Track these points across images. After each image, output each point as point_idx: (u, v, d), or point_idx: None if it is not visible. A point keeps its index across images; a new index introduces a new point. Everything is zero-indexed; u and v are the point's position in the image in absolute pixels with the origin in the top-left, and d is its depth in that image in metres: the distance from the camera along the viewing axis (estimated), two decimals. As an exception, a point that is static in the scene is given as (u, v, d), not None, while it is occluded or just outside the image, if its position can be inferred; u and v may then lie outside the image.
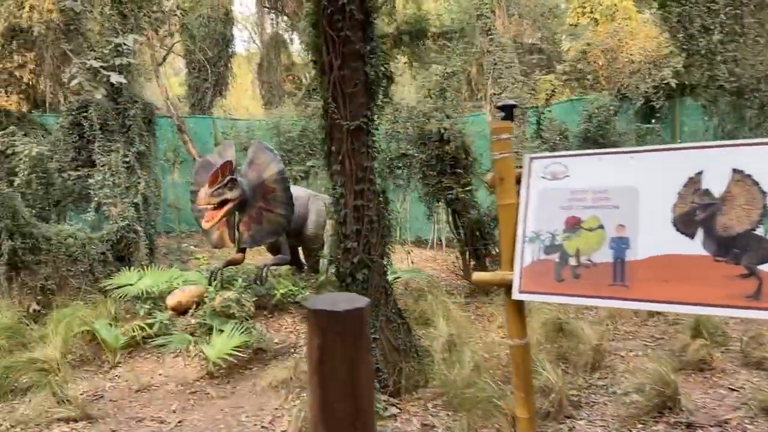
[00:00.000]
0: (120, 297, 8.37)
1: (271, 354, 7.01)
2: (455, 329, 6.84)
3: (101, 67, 8.78)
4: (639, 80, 12.20)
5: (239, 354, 6.62)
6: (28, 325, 8.23)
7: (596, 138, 9.62)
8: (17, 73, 19.80)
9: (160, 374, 6.80)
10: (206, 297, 7.89)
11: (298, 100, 18.82)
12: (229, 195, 7.30)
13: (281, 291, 7.62)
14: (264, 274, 7.77)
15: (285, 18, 26.61)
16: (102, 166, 9.47)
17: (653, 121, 11.73)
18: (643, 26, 13.31)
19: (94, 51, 9.11)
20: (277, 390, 6.18)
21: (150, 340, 7.39)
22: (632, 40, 12.94)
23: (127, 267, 9.48)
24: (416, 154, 8.10)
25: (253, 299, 7.50)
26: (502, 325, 8.07)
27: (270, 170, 7.69)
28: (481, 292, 9.25)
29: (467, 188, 8.20)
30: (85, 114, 10.93)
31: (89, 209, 9.57)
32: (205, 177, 7.39)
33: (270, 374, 6.57)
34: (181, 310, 7.95)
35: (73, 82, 9.01)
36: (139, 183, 9.50)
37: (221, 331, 6.93)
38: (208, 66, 21.87)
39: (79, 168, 10.91)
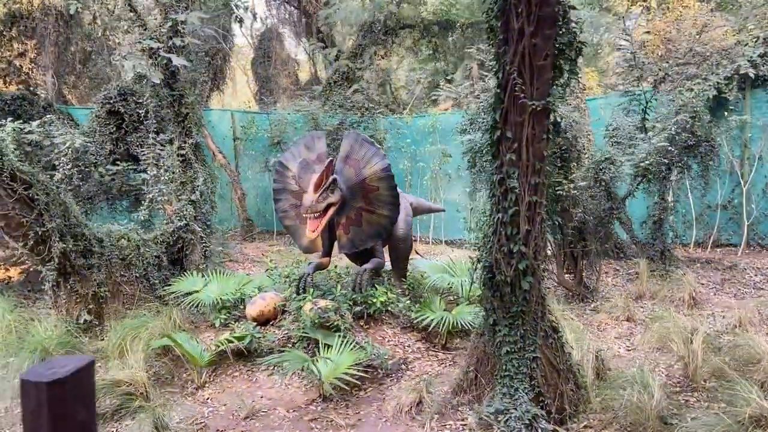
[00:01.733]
0: (189, 305, 7.44)
1: (382, 372, 6.15)
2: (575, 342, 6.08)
3: (159, 48, 7.81)
4: (707, 71, 11.54)
5: (355, 373, 5.75)
6: (77, 337, 7.28)
7: (693, 130, 8.91)
8: (17, 62, 18.59)
9: (261, 397, 5.89)
10: (289, 306, 7.01)
11: (317, 94, 17.84)
12: (332, 199, 6.42)
13: (381, 299, 6.76)
14: (364, 281, 6.90)
15: (284, 9, 25.48)
16: (155, 159, 8.48)
17: (726, 114, 11.09)
18: (703, 14, 12.69)
19: (146, 30, 8.12)
20: (410, 415, 5.33)
21: (243, 356, 6.49)
22: (696, 29, 12.30)
23: (181, 271, 8.55)
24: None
25: (353, 309, 6.64)
26: (618, 335, 7.32)
27: (372, 166, 6.81)
28: (576, 297, 8.49)
29: (573, 183, 7.42)
30: (124, 102, 9.97)
31: (140, 207, 8.60)
32: (305, 176, 6.47)
33: (393, 397, 5.72)
34: (263, 321, 7.05)
35: (127, 65, 8.03)
36: (196, 178, 8.54)
37: (328, 346, 6.05)
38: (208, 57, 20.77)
39: (117, 162, 9.93)
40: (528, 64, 4.24)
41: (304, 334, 6.24)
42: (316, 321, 6.32)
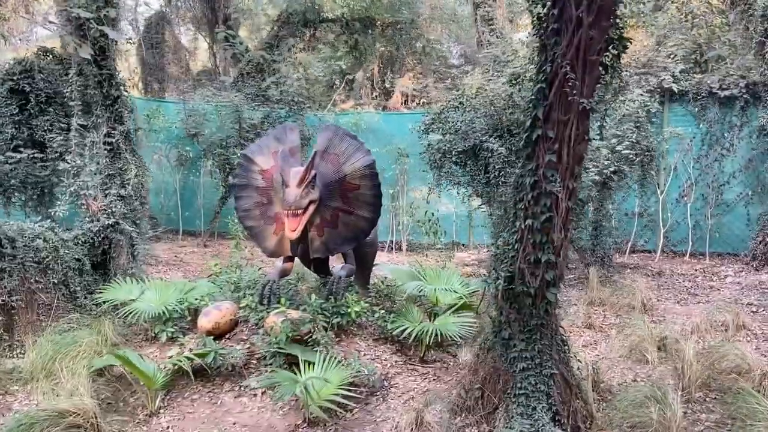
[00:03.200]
0: (124, 317, 6.47)
1: (366, 390, 5.59)
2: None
3: (91, 18, 6.73)
4: (634, 84, 11.93)
5: (345, 393, 5.17)
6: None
7: (637, 140, 9.10)
8: None
9: (234, 423, 5.14)
10: (251, 317, 6.27)
11: (227, 85, 16.78)
12: (313, 195, 5.76)
13: (355, 309, 6.18)
14: (340, 289, 6.26)
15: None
16: (79, 147, 7.35)
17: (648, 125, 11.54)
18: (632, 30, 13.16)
19: (71, -2, 6.98)
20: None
21: (202, 375, 5.68)
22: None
23: (105, 277, 7.49)
24: (495, 149, 6.98)
25: (331, 320, 6.03)
26: (585, 344, 7.22)
27: (354, 162, 6.20)
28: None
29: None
30: (30, 80, 8.66)
31: (59, 202, 7.42)
32: (287, 169, 5.75)
33: (385, 418, 5.21)
34: (218, 334, 6.24)
35: (66, 40, 6.89)
36: (126, 170, 7.49)
37: (308, 363, 5.41)
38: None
39: (19, 149, 8.60)
40: (582, 58, 3.89)
41: (278, 350, 5.54)
42: (289, 334, 5.65)
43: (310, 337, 5.71)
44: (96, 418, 4.77)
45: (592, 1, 3.75)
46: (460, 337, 6.09)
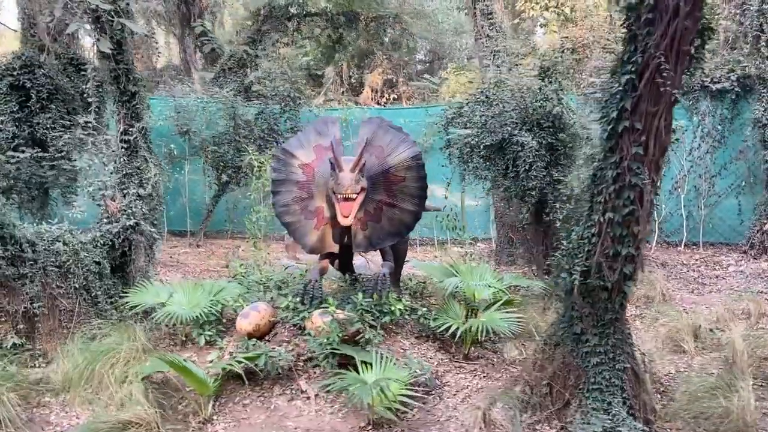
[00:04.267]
0: (157, 321, 6.21)
1: (421, 389, 5.48)
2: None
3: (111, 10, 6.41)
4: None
5: (410, 393, 5.06)
6: (5, 368, 5.81)
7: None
8: None
9: (295, 428, 4.98)
10: (287, 318, 6.10)
11: (208, 81, 16.39)
12: (363, 183, 5.63)
13: (398, 306, 6.06)
14: (386, 286, 6.12)
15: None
16: (94, 145, 7.03)
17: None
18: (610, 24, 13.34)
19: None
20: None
21: (250, 379, 5.48)
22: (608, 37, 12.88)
23: (124, 280, 7.19)
24: (526, 142, 6.93)
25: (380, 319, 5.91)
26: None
27: (399, 155, 6.06)
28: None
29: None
30: (30, 75, 8.26)
31: (73, 202, 7.08)
32: (337, 156, 5.57)
33: (448, 417, 5.14)
34: (258, 336, 6.06)
35: (71, 29, 6.54)
36: (145, 169, 7.18)
37: (365, 363, 5.28)
38: None
39: (21, 148, 8.20)
40: (675, 48, 3.86)
41: (333, 351, 5.38)
42: (339, 335, 5.51)
43: (362, 337, 5.58)
44: (158, 428, 4.56)
45: (689, -12, 3.72)
46: (512, 333, 6.04)
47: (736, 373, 5.57)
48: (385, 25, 17.31)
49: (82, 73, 9.05)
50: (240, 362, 5.37)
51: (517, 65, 11.43)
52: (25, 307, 6.19)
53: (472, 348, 6.38)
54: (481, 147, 7.34)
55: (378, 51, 25.11)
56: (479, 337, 6.03)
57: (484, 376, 5.92)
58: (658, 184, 4.37)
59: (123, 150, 7.09)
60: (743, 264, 10.52)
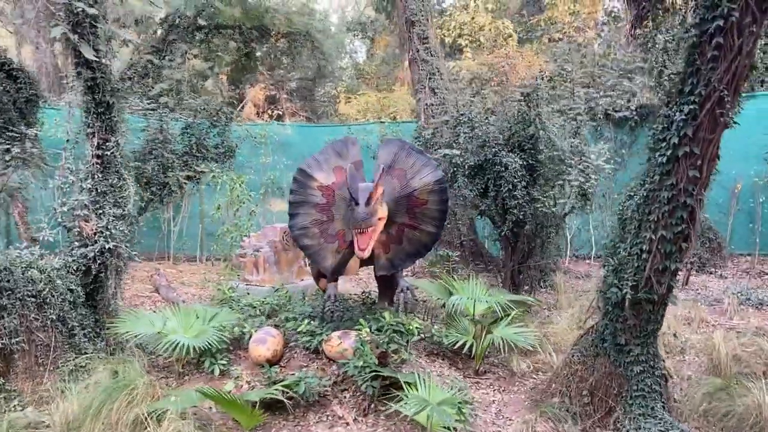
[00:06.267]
0: (167, 353, 5.74)
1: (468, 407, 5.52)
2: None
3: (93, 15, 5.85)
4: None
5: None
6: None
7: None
8: None
9: (353, 456, 4.83)
10: (305, 341, 5.92)
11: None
12: (382, 212, 5.57)
13: (415, 325, 6.08)
14: (410, 301, 6.05)
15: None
16: (68, 159, 6.36)
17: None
18: (522, 55, 14.29)
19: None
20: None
21: (280, 407, 5.22)
22: (523, 66, 13.79)
23: (92, 310, 6.56)
24: (510, 163, 7.24)
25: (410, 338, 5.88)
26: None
27: (422, 178, 6.04)
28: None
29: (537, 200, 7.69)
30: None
31: (42, 225, 6.34)
32: (354, 186, 5.47)
33: (496, 432, 5.23)
34: (275, 362, 5.81)
35: (55, 33, 5.86)
36: (122, 187, 6.60)
37: (409, 384, 5.24)
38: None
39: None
40: (734, 83, 4.32)
41: (376, 373, 5.29)
42: (367, 357, 5.43)
43: (399, 357, 5.54)
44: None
45: (752, 31, 4.19)
46: (531, 346, 6.27)
47: (722, 372, 6.24)
48: (296, 42, 17.20)
49: (18, 82, 8.19)
50: (278, 390, 5.10)
51: (446, 89, 11.92)
52: (2, 343, 5.46)
53: (477, 363, 6.54)
54: (466, 167, 7.58)
55: (259, 67, 24.79)
56: (505, 349, 6.20)
57: (502, 390, 6.10)
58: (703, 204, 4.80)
59: (97, 166, 6.48)
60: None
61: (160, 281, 10.30)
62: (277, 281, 9.66)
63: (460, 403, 5.05)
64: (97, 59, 6.13)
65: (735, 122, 4.51)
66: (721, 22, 4.20)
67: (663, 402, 5.04)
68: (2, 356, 5.53)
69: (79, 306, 6.28)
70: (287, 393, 5.14)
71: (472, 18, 15.44)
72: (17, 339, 5.57)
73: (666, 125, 4.62)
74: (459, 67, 14.59)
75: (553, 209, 7.76)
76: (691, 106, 4.42)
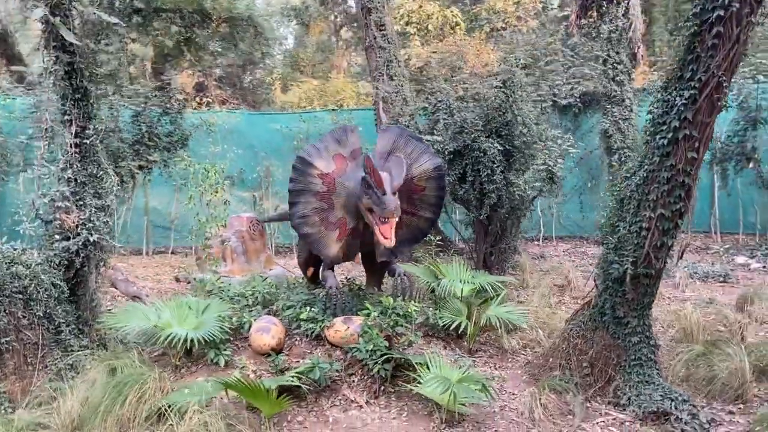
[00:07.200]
0: (165, 344, 5.61)
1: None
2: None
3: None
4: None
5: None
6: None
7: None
8: None
9: (372, 438, 4.91)
10: (308, 328, 5.94)
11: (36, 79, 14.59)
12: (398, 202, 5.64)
13: (412, 308, 6.19)
14: (409, 286, 6.12)
15: None
16: (46, 148, 6.06)
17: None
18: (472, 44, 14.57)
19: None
20: (552, 420, 5.18)
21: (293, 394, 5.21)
22: (474, 55, 14.08)
23: (75, 305, 6.31)
24: (489, 148, 7.44)
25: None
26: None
27: (421, 165, 6.07)
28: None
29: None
30: None
31: (25, 216, 6.02)
32: (377, 175, 5.44)
33: (503, 408, 5.44)
34: (279, 350, 5.80)
35: (36, 15, 5.53)
36: (103, 177, 6.34)
37: (423, 365, 5.36)
38: None
39: None
40: (731, 69, 4.65)
41: (386, 356, 5.37)
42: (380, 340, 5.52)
43: (407, 339, 5.65)
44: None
45: (750, 21, 4.52)
46: (523, 324, 6.51)
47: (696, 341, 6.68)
48: (238, 27, 16.82)
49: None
50: (294, 377, 5.11)
51: (403, 76, 12.06)
52: (-8, 344, 5.18)
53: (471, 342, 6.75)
54: (446, 153, 7.73)
55: (186, 52, 24.09)
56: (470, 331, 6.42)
57: (498, 367, 6.32)
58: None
59: (76, 155, 6.20)
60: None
61: (117, 276, 9.93)
62: (247, 271, 9.54)
63: (486, 379, 5.22)
64: (79, 42, 5.86)
65: (725, 106, 4.85)
66: (721, 12, 4.51)
67: (657, 369, 5.39)
68: (-8, 357, 5.24)
69: (63, 302, 6.02)
70: (301, 379, 5.15)
71: (420, 6, 15.61)
72: (7, 338, 5.30)
73: (665, 109, 4.91)
74: (408, 55, 14.72)
75: (528, 192, 8.04)
76: (692, 91, 4.72)
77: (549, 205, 14.05)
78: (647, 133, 5.16)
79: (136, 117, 11.52)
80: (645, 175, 5.09)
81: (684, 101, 4.76)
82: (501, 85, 7.64)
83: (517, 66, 8.15)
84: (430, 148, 6.36)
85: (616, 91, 12.68)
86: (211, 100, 25.61)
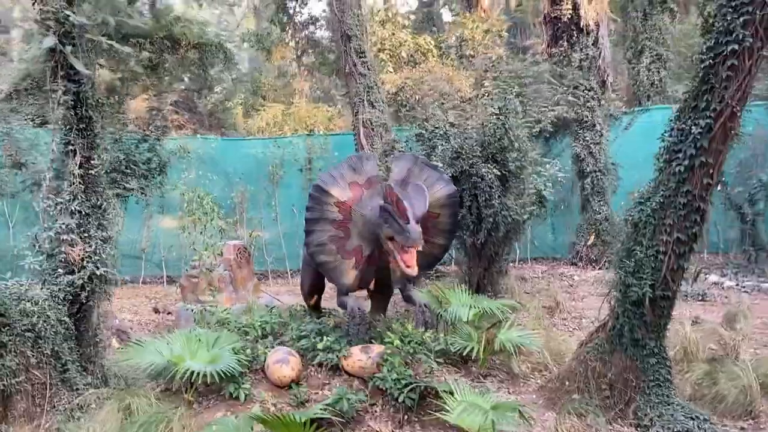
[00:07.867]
0: (189, 381, 5.45)
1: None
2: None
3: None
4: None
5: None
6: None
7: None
8: None
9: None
10: (324, 358, 5.88)
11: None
12: None
13: (426, 335, 6.19)
14: (431, 316, 6.11)
15: None
16: (54, 175, 5.89)
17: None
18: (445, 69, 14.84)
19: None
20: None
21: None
22: (447, 81, 14.34)
23: (77, 342, 6.08)
24: (487, 173, 7.57)
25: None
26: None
27: (435, 192, 6.11)
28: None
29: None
30: None
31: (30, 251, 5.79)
32: (402, 204, 5.45)
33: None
34: (298, 382, 5.71)
35: (46, 44, 5.39)
36: (106, 208, 6.16)
37: (448, 393, 5.37)
38: None
39: None
40: (743, 99, 4.90)
41: (413, 384, 5.35)
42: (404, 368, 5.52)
43: (429, 366, 5.65)
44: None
45: (761, 54, 4.79)
46: (535, 348, 6.58)
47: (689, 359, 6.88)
48: (208, 54, 16.64)
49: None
50: (323, 409, 5.03)
51: (383, 101, 12.19)
52: (3, 384, 4.93)
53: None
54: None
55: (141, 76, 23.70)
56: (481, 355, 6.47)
57: (512, 391, 6.36)
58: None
59: (80, 186, 6.01)
60: (582, 274, 12.55)
61: (97, 309, 9.59)
62: (234, 300, 9.38)
63: (522, 406, 5.25)
64: (89, 72, 5.73)
65: (737, 134, 5.10)
66: (735, 46, 4.75)
67: (674, 389, 5.54)
68: (3, 399, 4.98)
69: (68, 339, 5.79)
70: (328, 411, 5.08)
71: (393, 33, 15.84)
72: (18, 379, 5.06)
73: (681, 138, 5.12)
74: (382, 81, 14.87)
75: (524, 216, 8.21)
76: (707, 120, 4.95)
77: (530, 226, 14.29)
78: (660, 160, 5.35)
79: (114, 143, 11.21)
80: (661, 200, 5.27)
81: (700, 130, 4.97)
82: (497, 112, 7.82)
83: (511, 94, 8.35)
84: (444, 175, 6.44)
85: (587, 116, 13.10)
86: (166, 125, 25.20)
